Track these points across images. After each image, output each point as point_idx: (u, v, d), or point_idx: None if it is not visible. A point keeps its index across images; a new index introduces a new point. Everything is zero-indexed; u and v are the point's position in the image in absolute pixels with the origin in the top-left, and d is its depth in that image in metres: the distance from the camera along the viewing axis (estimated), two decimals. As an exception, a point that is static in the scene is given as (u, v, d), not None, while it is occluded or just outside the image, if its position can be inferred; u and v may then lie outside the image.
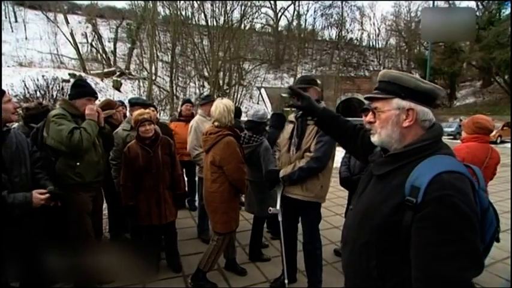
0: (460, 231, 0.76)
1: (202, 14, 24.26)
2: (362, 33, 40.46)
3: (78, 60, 22.89)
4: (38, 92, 11.83)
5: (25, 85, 11.89)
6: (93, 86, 2.82)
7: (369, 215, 0.94)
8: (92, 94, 2.34)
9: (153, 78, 22.22)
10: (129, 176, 2.48)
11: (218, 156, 2.27)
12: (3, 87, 1.92)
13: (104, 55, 25.09)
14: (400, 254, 0.85)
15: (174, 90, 22.56)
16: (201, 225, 3.41)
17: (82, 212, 2.27)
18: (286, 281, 2.34)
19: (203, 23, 24.69)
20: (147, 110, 2.58)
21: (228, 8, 23.16)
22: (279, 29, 36.08)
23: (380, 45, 39.54)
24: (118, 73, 22.45)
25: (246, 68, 26.86)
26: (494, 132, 11.35)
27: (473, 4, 25.87)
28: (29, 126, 2.62)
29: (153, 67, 22.54)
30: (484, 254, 0.91)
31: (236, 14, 24.04)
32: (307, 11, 58.70)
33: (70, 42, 22.72)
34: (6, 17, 25.94)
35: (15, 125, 2.66)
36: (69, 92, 2.42)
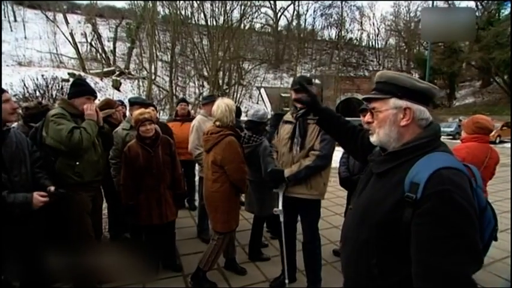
0: (459, 226, 0.76)
1: (202, 14, 24.31)
2: (361, 33, 40.66)
3: (78, 59, 22.87)
4: (37, 92, 11.84)
5: (24, 84, 11.90)
6: (92, 85, 2.82)
7: (368, 212, 0.95)
8: (91, 93, 2.34)
9: (153, 77, 22.22)
10: (130, 176, 2.48)
11: (220, 156, 2.28)
12: (3, 86, 1.91)
13: (103, 54, 25.09)
14: (400, 251, 0.85)
15: (174, 90, 22.56)
16: (200, 224, 3.41)
17: (82, 211, 2.26)
18: (286, 281, 2.35)
19: (203, 22, 24.72)
20: (148, 110, 2.58)
21: (228, 7, 23.20)
22: (279, 28, 36.14)
23: (379, 45, 39.69)
24: (117, 72, 22.45)
25: (245, 67, 26.89)
26: (493, 132, 11.39)
27: (472, 4, 25.90)
28: (28, 126, 2.62)
29: (153, 67, 22.54)
30: (482, 253, 0.92)
31: (236, 14, 24.11)
32: (307, 11, 58.86)
33: (69, 41, 22.70)
34: (5, 17, 25.92)
35: (15, 124, 2.65)
36: (68, 91, 2.42)
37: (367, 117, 1.05)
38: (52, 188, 1.93)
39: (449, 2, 26.72)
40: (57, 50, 23.47)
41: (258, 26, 32.65)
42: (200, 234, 3.40)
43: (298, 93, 2.05)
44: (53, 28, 24.53)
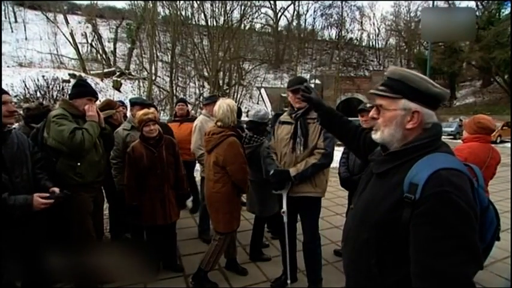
0: (458, 226, 0.76)
1: (202, 14, 24.22)
2: (362, 33, 40.60)
3: (78, 60, 22.85)
4: (38, 92, 11.87)
5: (25, 85, 11.92)
6: (93, 86, 2.82)
7: (368, 213, 0.95)
8: (93, 94, 2.34)
9: (153, 78, 22.20)
10: (133, 176, 2.49)
11: (221, 157, 2.28)
12: (3, 87, 1.89)
13: (103, 55, 25.07)
14: (399, 251, 0.86)
15: (174, 90, 22.53)
16: (201, 224, 3.42)
17: (83, 212, 2.27)
18: (288, 281, 2.35)
19: (203, 23, 24.66)
20: (151, 110, 2.58)
21: (228, 8, 23.14)
22: (279, 29, 36.09)
23: (380, 45, 39.66)
24: (118, 73, 22.43)
25: (245, 68, 26.86)
26: (494, 132, 11.33)
27: (473, 4, 25.91)
28: (29, 127, 2.63)
29: (153, 67, 22.52)
30: (485, 253, 0.92)
31: (236, 14, 24.04)
32: (307, 11, 58.66)
33: (70, 42, 22.69)
34: (6, 18, 25.93)
35: (16, 125, 2.65)
36: (69, 92, 2.42)
37: (373, 112, 1.02)
38: (57, 190, 1.92)
39: (450, 2, 26.70)
40: (57, 51, 23.45)
41: (258, 26, 32.67)
42: (201, 234, 3.40)
43: (295, 94, 2.11)
44: (54, 29, 24.52)
